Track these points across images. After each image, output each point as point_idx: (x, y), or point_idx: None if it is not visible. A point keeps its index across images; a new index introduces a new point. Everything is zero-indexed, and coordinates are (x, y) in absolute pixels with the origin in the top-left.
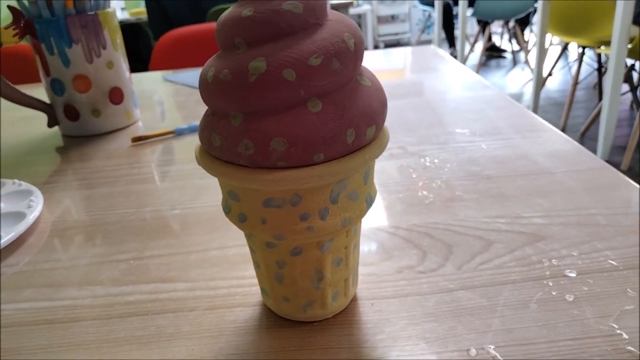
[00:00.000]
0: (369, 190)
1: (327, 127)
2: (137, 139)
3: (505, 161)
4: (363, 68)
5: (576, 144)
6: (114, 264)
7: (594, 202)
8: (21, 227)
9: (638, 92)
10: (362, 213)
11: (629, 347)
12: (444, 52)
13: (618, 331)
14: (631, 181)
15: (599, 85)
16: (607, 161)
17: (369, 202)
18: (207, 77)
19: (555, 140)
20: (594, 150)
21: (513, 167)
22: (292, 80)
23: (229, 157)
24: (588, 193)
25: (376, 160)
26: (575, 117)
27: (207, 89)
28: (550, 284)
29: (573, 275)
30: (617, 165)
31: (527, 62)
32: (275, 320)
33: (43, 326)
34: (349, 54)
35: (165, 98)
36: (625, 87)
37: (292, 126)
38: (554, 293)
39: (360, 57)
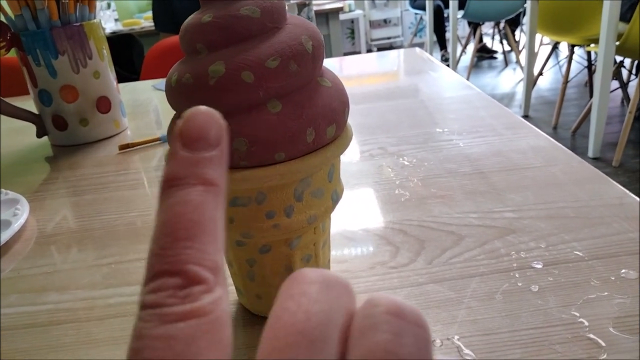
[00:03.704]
0: (335, 188)
1: (286, 126)
2: (125, 147)
3: (480, 158)
4: (324, 69)
5: (551, 139)
6: (96, 268)
7: (564, 196)
8: (6, 235)
9: (628, 89)
10: (328, 210)
11: (590, 335)
12: (428, 55)
13: (580, 319)
14: (602, 173)
15: (590, 83)
16: (599, 158)
17: (335, 199)
18: (171, 81)
19: (531, 137)
20: (585, 148)
21: (487, 164)
22: (251, 82)
23: None
24: (559, 187)
25: (356, 160)
26: (567, 114)
27: (171, 92)
28: (517, 275)
29: (539, 266)
30: (608, 162)
31: (518, 62)
32: (249, 317)
33: (24, 330)
34: (306, 56)
35: (154, 106)
36: (615, 84)
37: (252, 126)
38: (519, 284)
39: (319, 59)
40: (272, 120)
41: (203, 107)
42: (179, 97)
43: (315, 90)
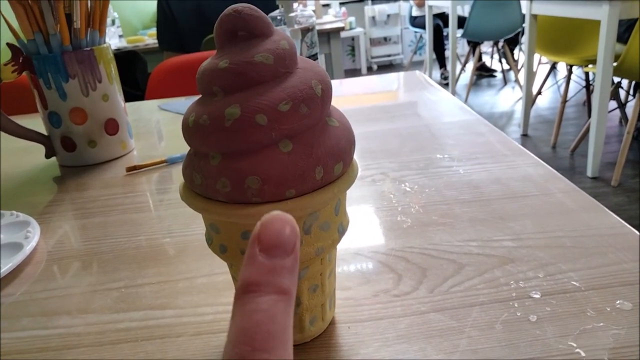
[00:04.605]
0: (341, 221)
1: (297, 165)
2: (132, 169)
3: (480, 186)
4: (332, 109)
5: (548, 167)
6: (106, 292)
7: (562, 225)
8: (18, 258)
9: (626, 109)
10: (335, 242)
11: None
12: (427, 77)
13: (576, 350)
14: (598, 203)
15: (588, 103)
16: (598, 177)
17: (341, 231)
18: (189, 121)
19: (529, 164)
20: (584, 167)
21: (487, 192)
22: (264, 125)
23: (208, 194)
24: (557, 216)
25: (359, 186)
26: (566, 134)
27: (188, 131)
28: (516, 305)
29: (537, 296)
30: (607, 181)
31: (517, 81)
32: None
33: (37, 354)
34: (316, 99)
35: (160, 127)
36: (613, 104)
37: (265, 165)
38: (518, 314)
39: (327, 101)
40: (284, 160)
41: (279, 213)
42: (196, 136)
43: (323, 131)
